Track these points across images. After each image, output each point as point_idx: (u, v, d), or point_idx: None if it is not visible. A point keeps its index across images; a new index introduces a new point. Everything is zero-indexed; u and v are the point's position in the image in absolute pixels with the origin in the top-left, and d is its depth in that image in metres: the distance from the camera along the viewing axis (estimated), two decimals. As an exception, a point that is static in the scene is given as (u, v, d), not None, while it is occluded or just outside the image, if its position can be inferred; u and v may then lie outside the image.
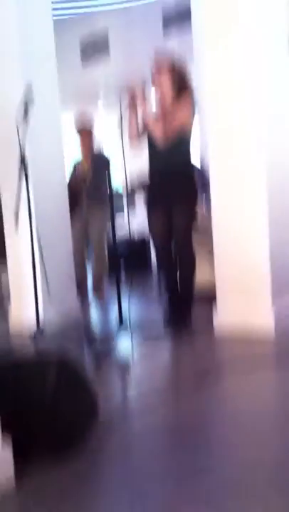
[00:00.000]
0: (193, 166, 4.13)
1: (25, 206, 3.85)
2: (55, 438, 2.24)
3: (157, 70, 3.87)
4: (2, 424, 2.09)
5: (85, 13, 8.56)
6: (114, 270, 3.92)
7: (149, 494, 1.91)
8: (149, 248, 6.84)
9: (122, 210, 8.28)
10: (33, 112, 3.92)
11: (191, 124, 3.90)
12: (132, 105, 3.83)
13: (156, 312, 4.73)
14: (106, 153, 5.77)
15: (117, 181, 6.13)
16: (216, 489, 1.89)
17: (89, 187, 5.35)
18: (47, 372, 2.28)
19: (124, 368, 3.47)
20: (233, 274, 3.74)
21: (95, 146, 5.74)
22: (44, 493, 2.00)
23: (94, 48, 9.91)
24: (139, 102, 3.80)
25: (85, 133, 5.60)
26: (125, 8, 9.12)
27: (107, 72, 9.81)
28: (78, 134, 5.65)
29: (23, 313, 4.60)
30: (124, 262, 6.10)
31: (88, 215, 5.56)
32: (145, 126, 3.92)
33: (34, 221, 3.97)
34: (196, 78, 7.23)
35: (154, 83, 3.90)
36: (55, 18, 4.80)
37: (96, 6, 8.38)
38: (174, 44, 8.89)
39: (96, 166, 5.55)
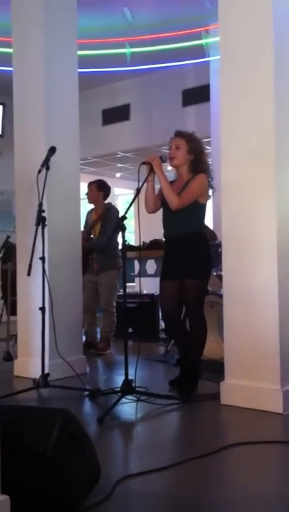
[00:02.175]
0: (206, 238, 4.23)
1: (39, 254, 4.04)
2: (53, 496, 2.17)
3: (175, 147, 4.05)
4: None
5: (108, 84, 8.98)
6: (122, 331, 3.97)
7: None
8: (158, 307, 6.95)
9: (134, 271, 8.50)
10: (53, 164, 4.23)
11: (205, 201, 4.08)
12: (150, 171, 3.99)
13: (162, 376, 4.83)
14: (115, 207, 5.99)
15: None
16: None
17: (98, 246, 5.48)
18: (51, 428, 2.22)
19: (126, 426, 3.49)
20: (242, 346, 3.70)
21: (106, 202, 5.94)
22: None
23: (115, 114, 10.37)
24: (156, 168, 3.95)
25: (90, 184, 5.77)
26: (146, 78, 9.60)
27: (126, 137, 10.27)
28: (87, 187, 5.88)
29: (29, 359, 4.70)
30: (133, 323, 6.21)
31: (98, 277, 5.73)
32: (162, 192, 4.06)
33: (47, 269, 4.16)
34: (212, 151, 7.67)
35: (170, 159, 4.07)
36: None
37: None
38: (191, 115, 9.33)
39: (106, 222, 5.71)
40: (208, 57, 7.95)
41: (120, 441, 3.33)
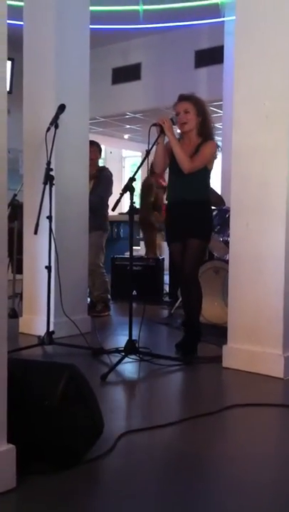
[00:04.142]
0: (210, 203, 4.24)
1: (46, 213, 4.04)
2: (59, 447, 2.24)
3: (184, 112, 4.02)
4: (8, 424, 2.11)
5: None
6: (128, 290, 3.99)
7: None
8: (162, 272, 6.99)
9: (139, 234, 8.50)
10: (62, 121, 4.17)
11: (212, 166, 4.08)
12: (160, 132, 3.95)
13: (166, 335, 4.90)
14: (108, 169, 5.94)
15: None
16: None
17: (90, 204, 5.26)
18: (57, 380, 2.28)
19: (129, 384, 3.55)
20: (246, 312, 3.73)
21: (101, 162, 5.92)
22: (44, 497, 2.04)
23: (125, 73, 10.21)
24: (167, 129, 3.91)
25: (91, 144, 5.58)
26: (159, 37, 9.40)
27: (136, 97, 10.13)
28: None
29: (34, 317, 4.75)
30: (138, 284, 6.22)
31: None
32: (170, 153, 4.03)
33: (54, 226, 4.15)
34: (224, 114, 7.56)
35: (180, 125, 4.05)
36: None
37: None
38: (204, 76, 9.18)
39: (98, 182, 5.67)
40: (224, 17, 7.76)
41: (123, 398, 3.40)
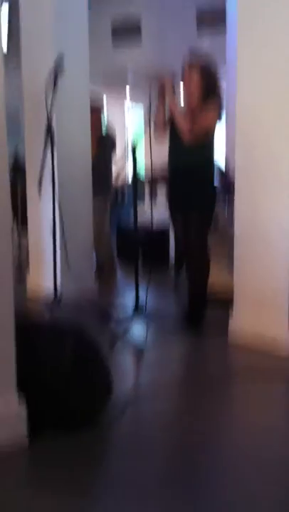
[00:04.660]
0: (213, 170, 4.10)
1: (49, 174, 3.97)
2: (69, 407, 2.27)
3: (189, 68, 3.87)
4: (18, 385, 2.14)
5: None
6: (133, 258, 3.96)
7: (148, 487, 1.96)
8: (169, 239, 6.95)
9: (143, 199, 8.44)
10: (62, 81, 4.02)
11: (215, 128, 3.90)
12: (161, 95, 3.85)
13: (172, 305, 4.82)
14: (113, 135, 5.79)
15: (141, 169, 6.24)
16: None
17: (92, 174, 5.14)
18: (65, 340, 2.32)
19: (137, 352, 3.53)
20: (252, 283, 3.68)
21: (104, 128, 5.74)
22: (55, 456, 2.08)
23: (126, 32, 10.01)
24: (168, 92, 3.81)
25: (93, 111, 5.38)
26: None
27: (137, 57, 9.94)
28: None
29: (41, 280, 4.69)
30: (143, 251, 6.20)
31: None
32: (171, 118, 3.92)
33: (57, 189, 4.07)
34: (227, 79, 7.42)
35: (184, 80, 3.90)
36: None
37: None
38: (206, 40, 9.01)
39: (101, 149, 5.52)
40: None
41: (130, 363, 3.41)
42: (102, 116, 5.82)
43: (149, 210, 4.14)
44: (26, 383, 2.20)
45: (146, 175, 7.15)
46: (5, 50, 7.86)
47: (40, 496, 1.89)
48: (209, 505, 1.87)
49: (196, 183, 3.90)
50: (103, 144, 5.62)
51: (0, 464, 2.02)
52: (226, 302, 3.97)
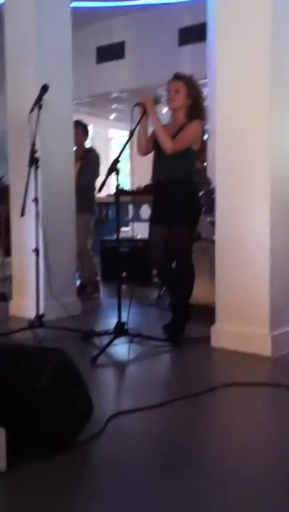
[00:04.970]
0: (196, 184, 4.19)
1: (32, 196, 4.03)
2: (48, 431, 2.25)
3: (174, 84, 3.98)
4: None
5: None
6: (116, 274, 3.98)
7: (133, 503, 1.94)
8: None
9: (127, 215, 8.48)
10: (46, 105, 4.15)
11: (197, 147, 4.00)
12: (143, 112, 3.91)
13: (156, 319, 4.86)
14: (96, 150, 5.93)
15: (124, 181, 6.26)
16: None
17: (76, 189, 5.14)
18: (46, 364, 2.31)
19: (119, 366, 3.58)
20: (233, 294, 3.76)
21: (88, 141, 5.83)
22: (33, 478, 2.07)
23: (109, 52, 10.11)
24: (149, 109, 3.88)
25: (77, 124, 5.48)
26: (142, 15, 9.31)
27: (120, 74, 10.05)
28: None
29: (24, 301, 4.73)
30: (127, 267, 6.21)
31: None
32: (154, 134, 4.00)
33: (40, 210, 4.15)
34: (209, 91, 7.51)
35: (169, 96, 4.00)
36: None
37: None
38: (188, 54, 9.11)
39: (85, 163, 5.62)
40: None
41: (112, 380, 3.44)
42: (86, 130, 5.87)
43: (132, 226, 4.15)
44: (3, 407, 2.19)
45: (129, 190, 7.21)
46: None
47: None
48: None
49: (180, 196, 3.97)
50: (87, 158, 5.66)
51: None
52: (208, 313, 4.02)
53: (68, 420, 2.33)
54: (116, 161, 3.67)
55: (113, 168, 3.66)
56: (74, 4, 4.96)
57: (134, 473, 2.17)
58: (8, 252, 5.39)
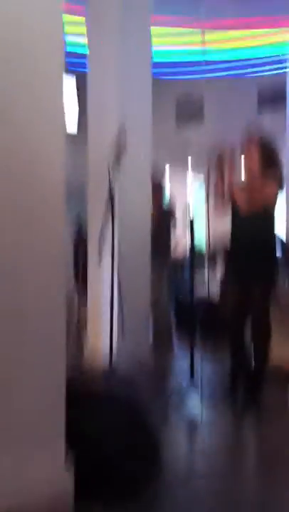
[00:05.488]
0: (275, 241, 4.14)
1: (109, 245, 4.08)
2: (119, 479, 2.23)
3: (248, 142, 3.98)
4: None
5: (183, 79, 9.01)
6: (190, 329, 3.95)
7: None
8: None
9: (204, 271, 8.43)
10: (125, 157, 4.22)
11: (276, 201, 3.97)
12: (220, 169, 3.95)
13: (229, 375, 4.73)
14: (173, 210, 5.96)
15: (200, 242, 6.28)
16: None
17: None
18: (118, 410, 2.35)
19: (190, 425, 3.47)
20: None
21: (165, 203, 5.90)
22: None
23: (189, 113, 10.38)
24: (227, 167, 3.92)
25: (154, 187, 5.53)
26: (222, 80, 9.58)
27: (199, 138, 10.25)
28: None
29: (98, 348, 4.63)
30: (201, 323, 6.13)
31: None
32: (230, 193, 3.99)
33: (116, 259, 4.16)
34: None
35: (244, 153, 4.01)
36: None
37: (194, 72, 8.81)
38: (267, 120, 9.23)
39: (161, 224, 5.65)
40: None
41: (184, 434, 3.33)
42: (163, 192, 5.99)
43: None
44: (77, 449, 2.17)
45: (206, 247, 7.20)
46: (75, 129, 8.30)
47: None
48: None
49: (259, 255, 3.90)
50: (163, 219, 5.74)
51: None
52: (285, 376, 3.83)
53: (137, 466, 2.28)
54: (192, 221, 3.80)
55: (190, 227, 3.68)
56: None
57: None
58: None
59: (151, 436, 2.40)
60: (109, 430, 2.26)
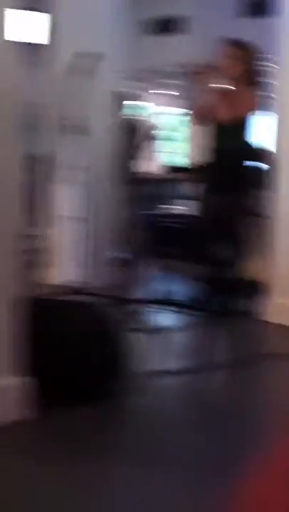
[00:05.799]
0: (250, 152, 4.12)
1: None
2: (80, 381, 2.29)
3: (232, 56, 3.85)
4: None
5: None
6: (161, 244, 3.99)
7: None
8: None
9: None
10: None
11: (252, 115, 3.91)
12: (198, 82, 3.85)
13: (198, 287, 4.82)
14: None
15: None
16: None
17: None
18: (78, 314, 2.39)
19: (158, 333, 3.52)
20: None
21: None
22: (62, 428, 2.09)
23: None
24: (204, 79, 3.82)
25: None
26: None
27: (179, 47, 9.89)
28: None
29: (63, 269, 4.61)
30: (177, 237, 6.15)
31: None
32: (207, 106, 3.92)
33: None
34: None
35: (224, 68, 3.88)
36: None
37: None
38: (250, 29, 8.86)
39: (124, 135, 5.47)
40: None
41: (155, 345, 3.38)
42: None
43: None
44: (37, 358, 2.21)
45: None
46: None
47: (42, 464, 1.88)
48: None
49: (232, 165, 3.92)
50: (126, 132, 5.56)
51: (4, 434, 2.03)
52: (255, 287, 3.95)
53: (101, 373, 2.35)
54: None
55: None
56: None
57: (171, 424, 2.17)
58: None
59: (115, 342, 2.46)
60: (73, 337, 2.32)
